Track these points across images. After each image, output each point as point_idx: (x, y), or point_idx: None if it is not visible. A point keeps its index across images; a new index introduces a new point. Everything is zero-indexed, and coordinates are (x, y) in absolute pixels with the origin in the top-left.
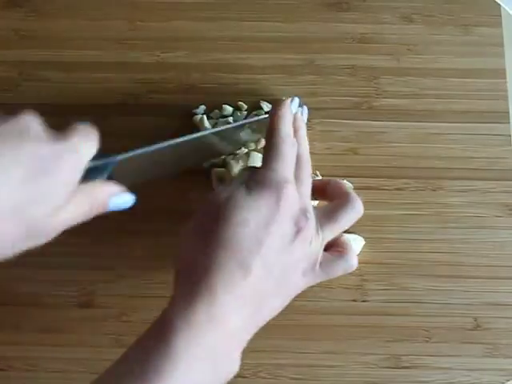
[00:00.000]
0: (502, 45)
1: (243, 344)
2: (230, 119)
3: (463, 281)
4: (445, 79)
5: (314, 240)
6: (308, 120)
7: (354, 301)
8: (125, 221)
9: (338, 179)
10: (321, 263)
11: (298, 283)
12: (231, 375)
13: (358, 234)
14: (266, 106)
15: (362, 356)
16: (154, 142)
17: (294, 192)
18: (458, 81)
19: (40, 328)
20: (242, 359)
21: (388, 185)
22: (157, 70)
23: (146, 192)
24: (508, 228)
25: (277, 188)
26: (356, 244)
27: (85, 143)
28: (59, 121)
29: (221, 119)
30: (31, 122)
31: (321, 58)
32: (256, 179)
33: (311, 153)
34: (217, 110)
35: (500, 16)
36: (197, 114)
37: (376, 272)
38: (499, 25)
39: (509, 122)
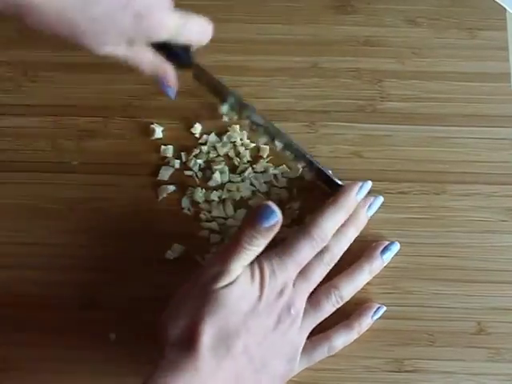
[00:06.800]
0: (506, 48)
1: None
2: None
3: (467, 285)
4: (449, 83)
5: (296, 333)
6: (313, 123)
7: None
8: (126, 222)
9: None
10: (302, 350)
11: (280, 371)
12: None
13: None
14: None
15: (364, 360)
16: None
17: (284, 288)
18: (462, 84)
19: (41, 329)
20: None
21: (392, 188)
22: None
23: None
24: None
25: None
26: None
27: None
28: (63, 122)
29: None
30: None
31: (325, 61)
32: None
33: (315, 156)
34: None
35: (505, 19)
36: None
37: (379, 276)
38: (504, 28)
39: None
